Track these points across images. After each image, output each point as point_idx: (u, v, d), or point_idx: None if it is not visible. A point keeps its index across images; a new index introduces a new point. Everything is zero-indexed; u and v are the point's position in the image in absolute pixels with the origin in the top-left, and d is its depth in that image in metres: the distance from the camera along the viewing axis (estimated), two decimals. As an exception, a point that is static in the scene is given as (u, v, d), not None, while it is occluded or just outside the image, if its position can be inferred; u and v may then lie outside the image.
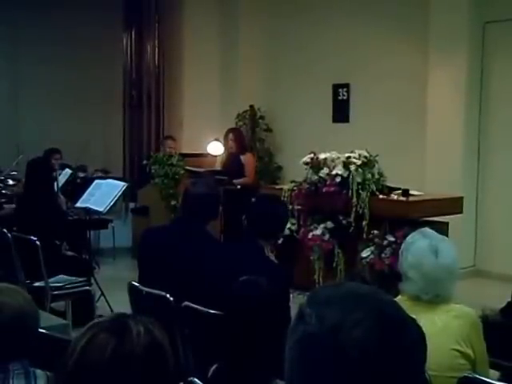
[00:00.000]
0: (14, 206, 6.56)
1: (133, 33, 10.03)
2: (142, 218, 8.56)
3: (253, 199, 3.96)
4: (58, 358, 2.27)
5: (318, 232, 6.09)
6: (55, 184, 6.28)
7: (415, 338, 1.09)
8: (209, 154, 9.07)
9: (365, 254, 5.72)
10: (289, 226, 6.09)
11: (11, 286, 2.26)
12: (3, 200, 7.50)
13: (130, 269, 5.96)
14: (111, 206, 6.26)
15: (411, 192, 5.87)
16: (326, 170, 6.05)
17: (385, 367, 1.02)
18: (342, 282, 1.10)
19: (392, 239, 5.57)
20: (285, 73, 9.58)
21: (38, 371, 2.14)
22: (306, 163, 6.24)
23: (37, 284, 5.23)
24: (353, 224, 5.83)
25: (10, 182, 8.11)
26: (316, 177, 6.13)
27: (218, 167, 8.43)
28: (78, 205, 6.44)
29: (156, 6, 9.87)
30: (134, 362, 1.37)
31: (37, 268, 5.07)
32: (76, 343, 1.39)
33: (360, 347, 1.01)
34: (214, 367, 2.69)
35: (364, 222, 5.73)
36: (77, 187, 7.77)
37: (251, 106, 9.56)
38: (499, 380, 3.28)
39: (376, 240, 5.69)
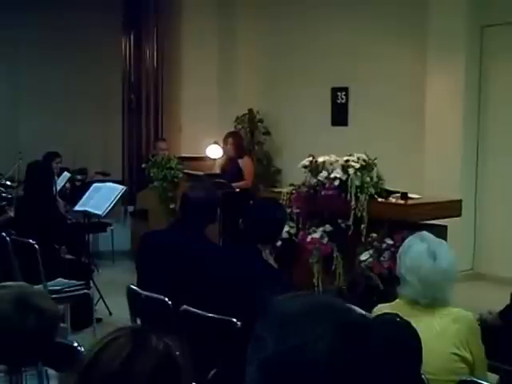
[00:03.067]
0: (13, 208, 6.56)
1: (131, 35, 10.04)
2: (140, 222, 8.56)
3: (251, 202, 3.96)
4: (56, 361, 2.28)
5: (317, 235, 6.09)
6: (54, 187, 6.28)
7: (381, 340, 1.08)
8: (208, 157, 9.07)
9: (363, 257, 5.71)
10: (288, 229, 6.08)
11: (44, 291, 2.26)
12: (4, 203, 7.50)
13: (129, 272, 5.94)
14: (110, 210, 6.27)
15: (410, 195, 5.86)
16: (324, 174, 6.04)
17: (355, 375, 1.01)
18: (297, 294, 1.05)
19: (391, 242, 5.56)
20: (284, 76, 9.58)
21: (51, 371, 2.14)
22: (305, 166, 6.23)
23: (35, 287, 5.22)
24: (351, 227, 5.82)
25: (8, 183, 8.11)
26: (315, 180, 6.12)
27: (216, 170, 8.44)
28: (77, 208, 6.44)
29: (155, 8, 9.88)
30: (142, 375, 1.36)
31: (35, 271, 5.07)
32: (96, 344, 1.39)
33: (326, 362, 0.99)
34: (213, 371, 2.70)
35: (362, 226, 5.72)
36: (76, 190, 7.78)
37: (250, 110, 9.57)
38: (498, 383, 3.29)
39: (375, 243, 5.69)
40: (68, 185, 7.97)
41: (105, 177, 8.71)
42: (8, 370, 2.08)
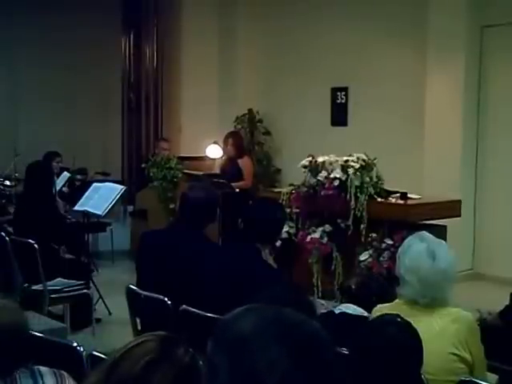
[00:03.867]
0: (13, 207, 6.57)
1: (131, 35, 10.04)
2: (140, 221, 8.56)
3: (250, 202, 3.96)
4: (55, 361, 2.28)
5: (317, 235, 6.08)
6: (54, 187, 6.28)
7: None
8: (207, 157, 9.07)
9: (363, 257, 5.71)
10: (287, 229, 6.08)
11: None
12: (3, 201, 7.50)
13: (129, 272, 5.95)
14: (110, 209, 6.26)
15: (409, 195, 5.87)
16: (324, 174, 6.04)
17: None
18: (247, 309, 0.99)
19: (390, 242, 5.57)
20: (284, 76, 9.58)
21: (43, 368, 2.15)
22: (305, 166, 6.24)
23: (35, 287, 5.22)
24: (351, 227, 5.83)
25: (7, 182, 8.11)
26: (314, 180, 6.12)
27: (216, 171, 8.44)
28: (77, 208, 6.43)
29: (155, 8, 9.88)
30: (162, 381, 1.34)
31: (35, 271, 5.07)
32: (122, 347, 1.38)
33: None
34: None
35: (362, 226, 5.73)
36: (75, 190, 7.78)
37: (250, 110, 9.57)
38: (497, 383, 3.29)
39: (374, 243, 5.69)
40: (66, 189, 7.97)
41: (105, 177, 8.71)
42: None
